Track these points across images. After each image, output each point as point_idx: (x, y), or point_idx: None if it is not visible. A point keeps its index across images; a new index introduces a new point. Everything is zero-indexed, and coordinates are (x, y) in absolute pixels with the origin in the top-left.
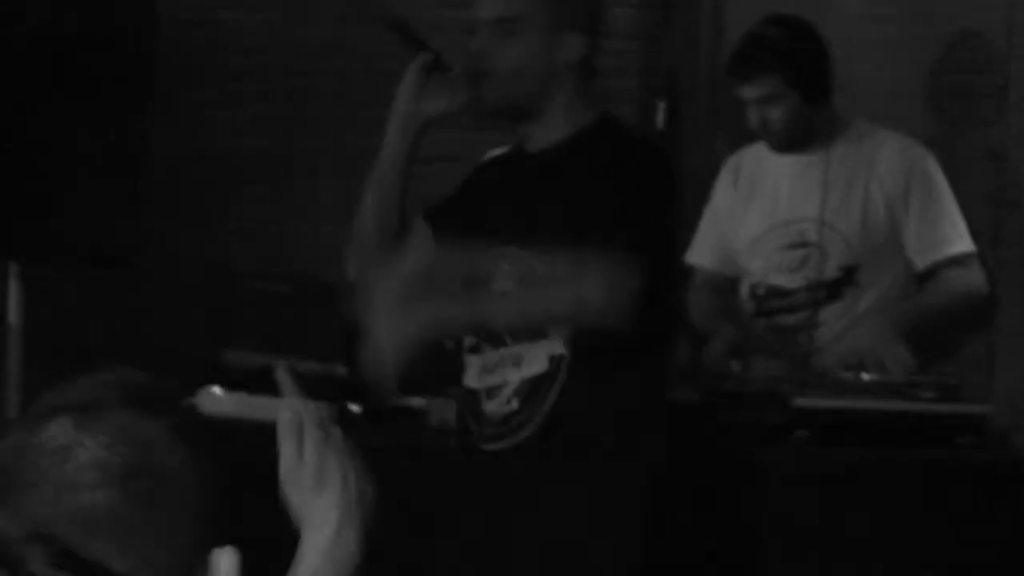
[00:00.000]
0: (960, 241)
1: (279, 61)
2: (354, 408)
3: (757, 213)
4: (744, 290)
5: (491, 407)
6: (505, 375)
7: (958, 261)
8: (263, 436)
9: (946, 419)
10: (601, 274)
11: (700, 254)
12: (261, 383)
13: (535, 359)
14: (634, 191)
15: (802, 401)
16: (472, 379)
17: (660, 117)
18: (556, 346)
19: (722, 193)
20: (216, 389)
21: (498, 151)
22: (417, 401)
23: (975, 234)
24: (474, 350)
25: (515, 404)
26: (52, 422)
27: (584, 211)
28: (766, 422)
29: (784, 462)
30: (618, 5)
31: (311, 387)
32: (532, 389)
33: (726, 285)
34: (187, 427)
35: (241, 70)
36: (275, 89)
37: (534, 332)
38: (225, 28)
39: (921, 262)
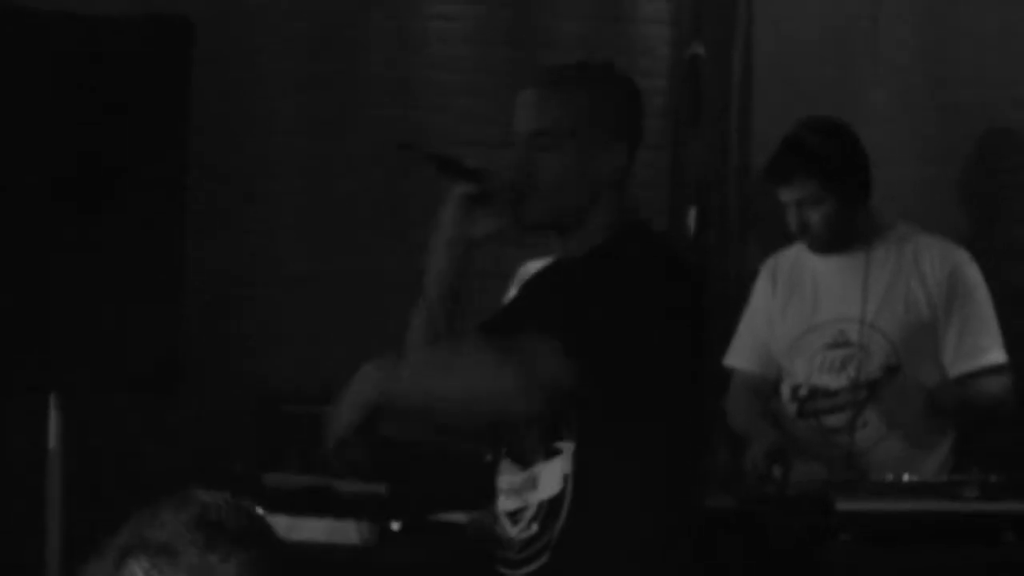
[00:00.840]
0: (997, 352)
1: (315, 177)
2: (395, 526)
3: (797, 314)
4: (785, 391)
5: (514, 532)
6: (527, 498)
7: (994, 370)
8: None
9: (990, 517)
10: (519, 360)
11: (739, 356)
12: (302, 505)
13: (550, 480)
14: (614, 303)
15: (845, 504)
16: (500, 501)
17: (691, 223)
18: (567, 464)
19: (761, 295)
20: (258, 511)
21: (538, 262)
22: (457, 516)
23: (1008, 334)
24: (501, 467)
25: (535, 528)
26: (131, 560)
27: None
28: (810, 526)
29: (829, 566)
30: (647, 116)
31: (352, 506)
32: (549, 512)
33: (766, 387)
34: (261, 561)
35: (276, 190)
36: (310, 206)
37: (548, 449)
38: (256, 146)
39: (957, 369)
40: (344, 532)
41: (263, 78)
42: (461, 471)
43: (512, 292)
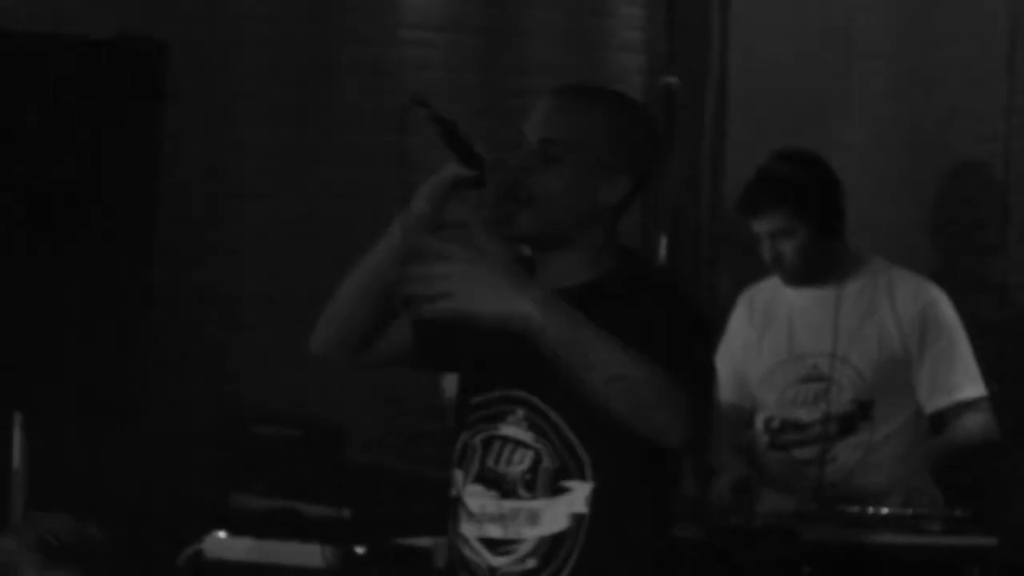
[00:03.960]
0: (973, 386)
1: (286, 201)
2: (359, 550)
3: (771, 346)
4: (759, 423)
5: (498, 562)
6: (519, 531)
7: (970, 405)
8: None
9: (954, 552)
10: (687, 393)
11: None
12: (268, 527)
13: (555, 517)
14: (688, 329)
15: (809, 536)
16: (472, 526)
17: (662, 251)
18: (577, 504)
19: (737, 326)
20: (222, 533)
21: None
22: (423, 541)
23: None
24: (467, 490)
25: (531, 564)
26: None
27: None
28: (774, 558)
29: None
30: None
31: (317, 529)
32: (552, 549)
33: (742, 417)
34: None
35: (245, 212)
36: (280, 228)
37: (555, 488)
38: (224, 173)
39: (932, 405)
40: (309, 555)
41: (237, 105)
42: (427, 496)
43: None
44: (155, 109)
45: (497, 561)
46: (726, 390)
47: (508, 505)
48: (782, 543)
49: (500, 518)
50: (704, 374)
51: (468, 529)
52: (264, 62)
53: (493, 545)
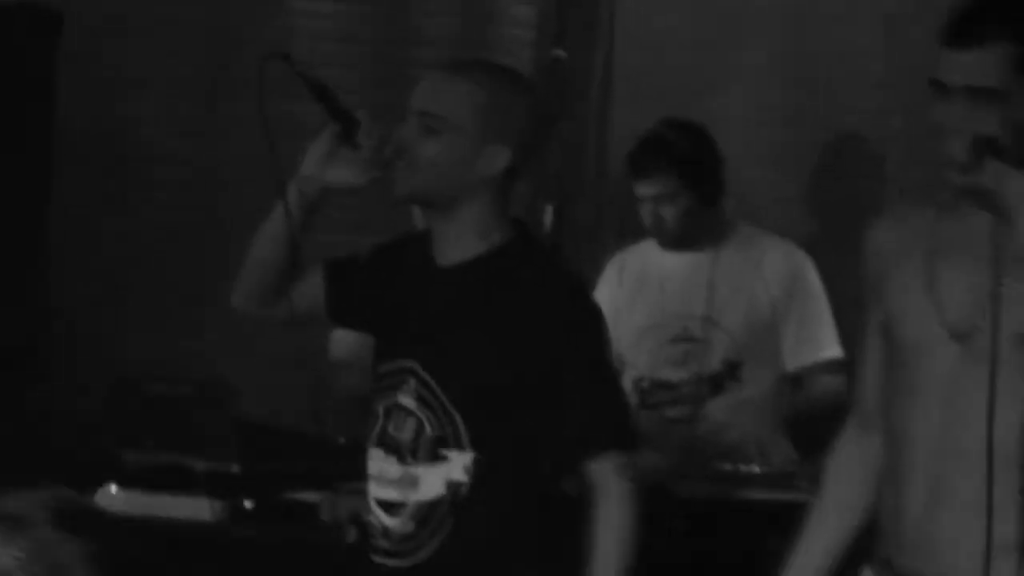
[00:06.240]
0: (832, 347)
1: (179, 170)
2: (247, 504)
3: (643, 308)
4: (628, 384)
5: (391, 523)
6: (406, 494)
7: (828, 366)
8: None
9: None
10: (616, 494)
11: None
12: (157, 482)
13: (432, 483)
14: (587, 345)
15: (682, 492)
16: (372, 487)
17: (547, 219)
18: (455, 471)
19: (607, 289)
20: (113, 487)
21: (411, 234)
22: (309, 496)
23: (847, 337)
24: (371, 453)
25: (411, 527)
26: None
27: (539, 366)
28: (647, 513)
29: (664, 551)
30: None
31: (205, 484)
32: (428, 513)
33: None
34: (105, 557)
35: (140, 180)
36: (173, 196)
37: (433, 454)
38: (123, 121)
39: (794, 363)
40: (197, 509)
41: (130, 74)
42: (314, 451)
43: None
44: (48, 74)
45: (389, 522)
46: None
47: (400, 470)
48: (657, 498)
49: (394, 482)
50: (611, 371)
51: (370, 490)
52: (158, 33)
53: (387, 507)
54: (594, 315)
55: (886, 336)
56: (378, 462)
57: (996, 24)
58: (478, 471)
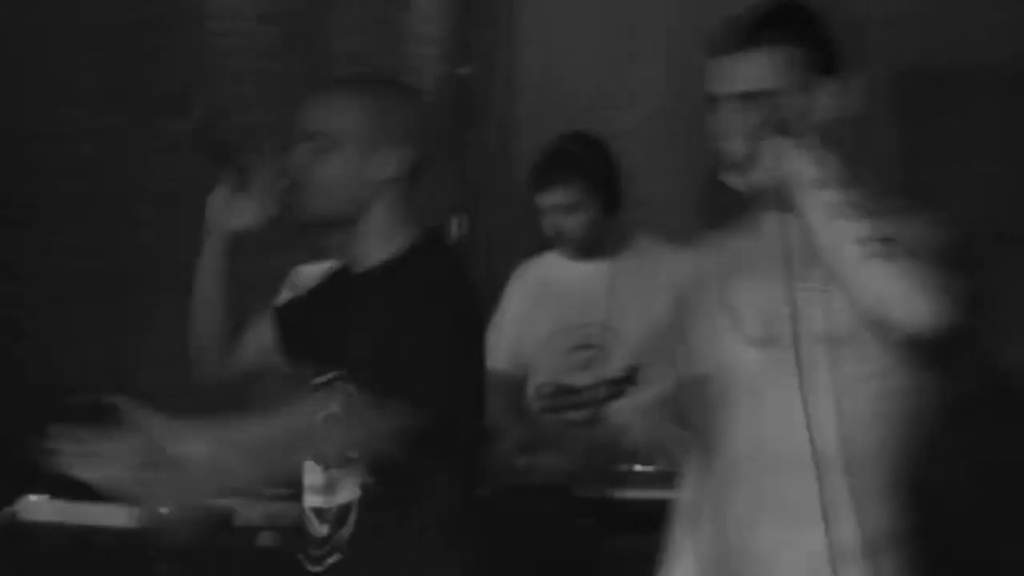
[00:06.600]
0: None
1: (99, 179)
2: (165, 510)
3: (547, 317)
4: (531, 389)
5: (315, 529)
6: (329, 499)
7: None
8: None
9: None
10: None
11: (492, 357)
12: (80, 490)
13: (346, 486)
14: (429, 337)
15: (584, 492)
16: (306, 497)
17: (456, 230)
18: (360, 472)
19: (512, 299)
20: (36, 497)
21: (314, 266)
22: (227, 502)
23: None
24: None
25: (325, 530)
26: None
27: (384, 352)
28: (550, 512)
29: (567, 549)
30: None
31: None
32: (340, 515)
33: (516, 385)
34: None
35: (62, 190)
36: (95, 205)
37: (347, 459)
38: (41, 153)
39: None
40: (120, 516)
41: (51, 88)
42: None
43: (285, 295)
44: None
45: (321, 529)
46: (501, 359)
47: (324, 477)
48: (560, 499)
49: (320, 489)
50: (421, 399)
51: (305, 500)
52: (79, 49)
53: (318, 514)
54: (436, 323)
55: (694, 359)
56: (309, 472)
57: (768, 29)
58: (381, 471)
